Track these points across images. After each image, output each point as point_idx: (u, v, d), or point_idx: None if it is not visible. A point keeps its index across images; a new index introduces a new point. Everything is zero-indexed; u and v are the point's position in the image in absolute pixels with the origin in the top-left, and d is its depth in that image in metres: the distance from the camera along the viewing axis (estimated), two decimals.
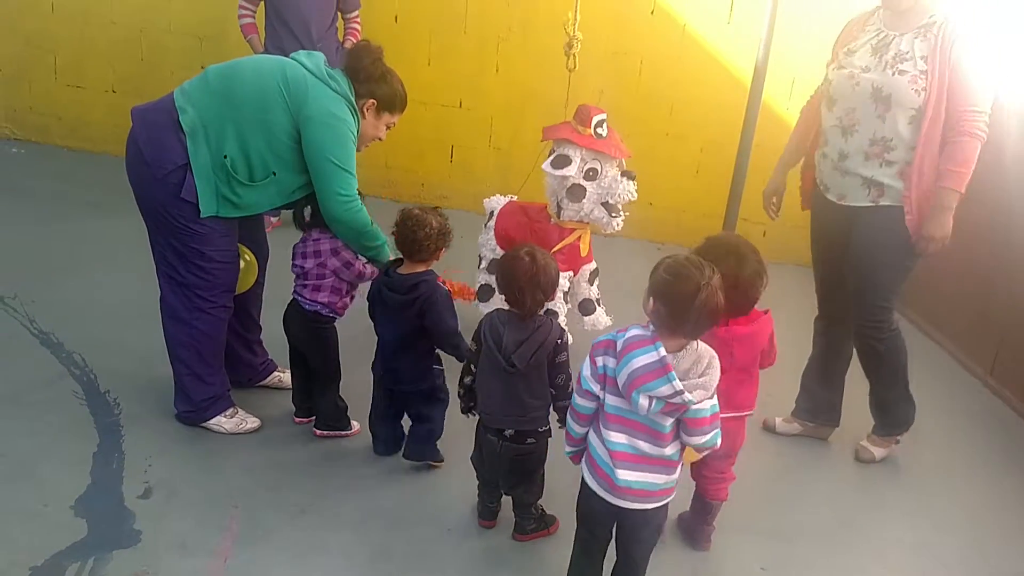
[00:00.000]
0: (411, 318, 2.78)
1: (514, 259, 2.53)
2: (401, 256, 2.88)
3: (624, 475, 2.20)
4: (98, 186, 5.15)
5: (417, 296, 2.79)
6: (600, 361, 2.21)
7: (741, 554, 2.81)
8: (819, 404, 3.49)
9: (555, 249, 3.63)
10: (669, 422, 2.19)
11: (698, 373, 2.15)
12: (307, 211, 3.02)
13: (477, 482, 2.79)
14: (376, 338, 2.94)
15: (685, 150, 5.53)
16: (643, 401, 2.11)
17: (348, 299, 3.08)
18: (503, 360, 2.51)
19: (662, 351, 2.10)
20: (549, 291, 2.54)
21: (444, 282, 3.30)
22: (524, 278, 2.48)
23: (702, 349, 2.19)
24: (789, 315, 4.75)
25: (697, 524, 2.82)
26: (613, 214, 3.69)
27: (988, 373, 4.21)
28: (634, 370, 2.11)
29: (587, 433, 2.32)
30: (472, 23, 5.52)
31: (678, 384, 2.09)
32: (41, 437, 2.98)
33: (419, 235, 2.80)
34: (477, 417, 2.70)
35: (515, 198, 4.02)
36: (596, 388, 2.23)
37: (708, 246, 2.59)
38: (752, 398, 2.66)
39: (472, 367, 2.69)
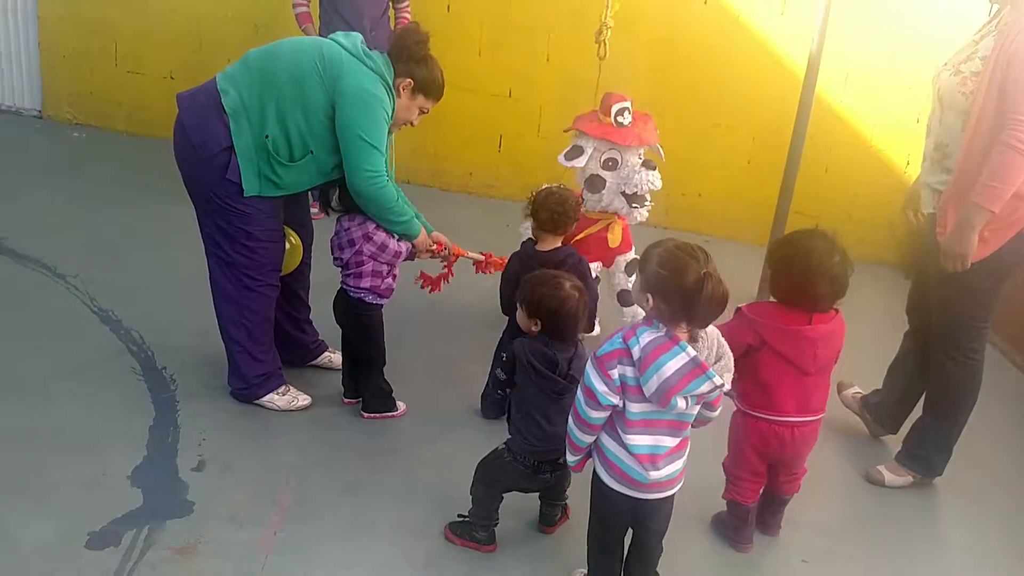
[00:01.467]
0: None
1: (566, 298, 2.45)
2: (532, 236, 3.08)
3: (655, 474, 2.18)
4: (155, 170, 5.24)
5: (567, 269, 2.86)
6: (615, 373, 2.12)
7: (783, 546, 2.81)
8: (889, 400, 3.35)
9: (576, 239, 3.62)
10: (697, 409, 2.19)
11: (716, 357, 2.14)
12: (334, 196, 3.07)
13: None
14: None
15: (736, 140, 5.49)
16: (681, 403, 2.10)
17: (391, 280, 3.12)
18: (562, 381, 2.44)
19: (691, 351, 2.07)
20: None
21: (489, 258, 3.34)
22: (581, 309, 2.47)
23: (709, 331, 2.18)
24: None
25: (769, 515, 2.81)
26: (634, 204, 3.66)
27: None
28: (668, 377, 2.05)
29: (594, 440, 2.27)
30: (523, 12, 5.53)
31: (718, 379, 2.08)
32: (100, 411, 3.08)
33: (566, 209, 3.01)
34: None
35: (563, 185, 4.03)
36: (615, 400, 2.14)
37: (789, 238, 2.56)
38: (826, 401, 2.65)
39: (506, 383, 2.57)
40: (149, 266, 4.24)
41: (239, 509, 2.67)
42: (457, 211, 5.17)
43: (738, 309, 2.63)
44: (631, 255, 3.88)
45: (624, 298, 3.88)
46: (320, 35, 4.77)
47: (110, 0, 6.08)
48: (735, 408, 2.70)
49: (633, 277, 3.87)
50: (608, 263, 3.83)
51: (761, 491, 2.77)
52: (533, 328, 2.50)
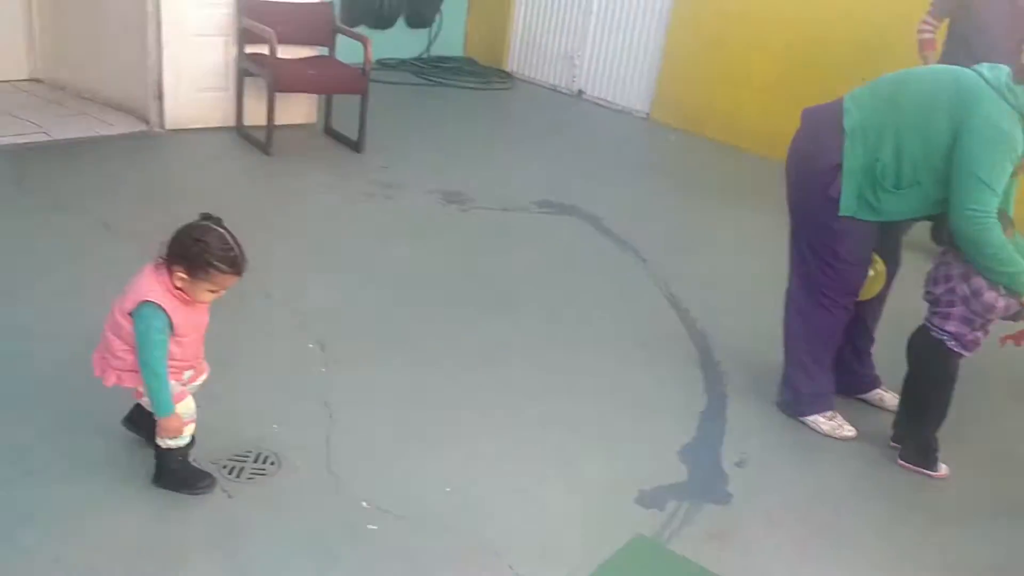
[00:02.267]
0: None
1: None
2: None
3: None
4: (739, 178, 5.60)
5: None
6: None
7: None
8: None
9: None
10: None
11: None
12: (946, 229, 2.92)
13: None
14: None
15: None
16: None
17: (981, 333, 2.90)
18: None
19: None
20: None
21: None
22: None
23: None
24: None
25: None
26: None
27: None
28: None
29: None
30: None
31: None
32: (660, 384, 3.41)
33: None
34: None
35: None
36: None
37: None
38: None
39: None
40: (722, 265, 4.53)
41: (773, 513, 2.76)
42: None
43: None
44: None
45: None
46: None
47: (728, 16, 6.54)
48: None
49: None
50: None
51: None
52: None
